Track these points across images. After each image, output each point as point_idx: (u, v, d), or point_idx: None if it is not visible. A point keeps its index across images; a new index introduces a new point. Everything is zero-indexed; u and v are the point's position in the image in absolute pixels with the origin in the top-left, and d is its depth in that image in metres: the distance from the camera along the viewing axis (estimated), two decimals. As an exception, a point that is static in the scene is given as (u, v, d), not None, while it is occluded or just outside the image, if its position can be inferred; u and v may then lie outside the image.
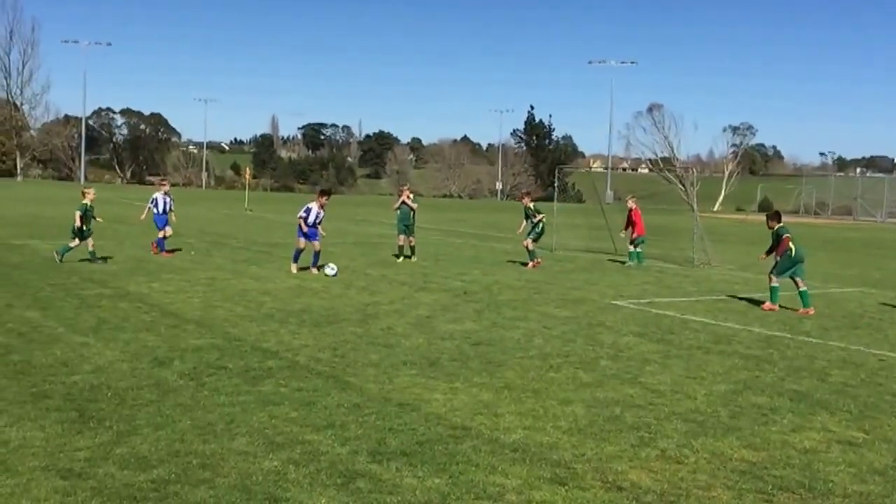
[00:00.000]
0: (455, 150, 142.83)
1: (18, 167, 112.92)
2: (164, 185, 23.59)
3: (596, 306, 15.20)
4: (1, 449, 6.52)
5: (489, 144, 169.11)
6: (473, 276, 19.28)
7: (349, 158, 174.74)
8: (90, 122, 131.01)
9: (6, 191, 66.53)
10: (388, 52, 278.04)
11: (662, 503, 5.97)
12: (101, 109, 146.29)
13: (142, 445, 6.69)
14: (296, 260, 18.76)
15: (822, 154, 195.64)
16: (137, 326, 11.65)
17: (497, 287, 17.32)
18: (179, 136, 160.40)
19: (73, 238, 19.19)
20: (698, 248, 24.52)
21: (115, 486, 5.85)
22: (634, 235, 23.43)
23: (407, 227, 22.24)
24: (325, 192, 19.90)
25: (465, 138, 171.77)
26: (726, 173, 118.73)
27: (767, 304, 15.61)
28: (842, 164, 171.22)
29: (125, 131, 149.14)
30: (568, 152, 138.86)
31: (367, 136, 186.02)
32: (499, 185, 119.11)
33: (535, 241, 21.81)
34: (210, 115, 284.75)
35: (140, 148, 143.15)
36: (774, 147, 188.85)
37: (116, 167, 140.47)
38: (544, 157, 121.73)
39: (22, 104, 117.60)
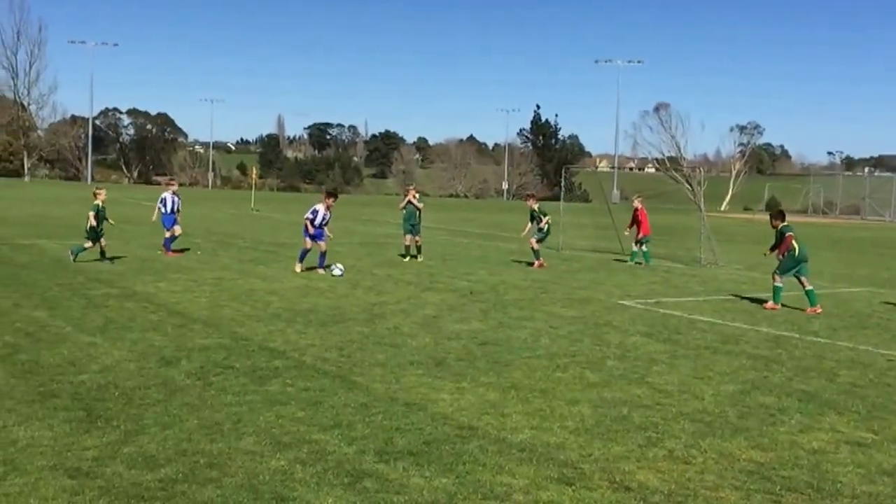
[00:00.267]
0: (461, 149, 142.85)
1: (26, 167, 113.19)
2: (173, 184, 23.62)
3: (603, 306, 15.18)
4: (9, 448, 6.53)
5: (495, 144, 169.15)
6: (480, 275, 19.27)
7: (355, 158, 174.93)
8: (97, 122, 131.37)
9: (14, 191, 66.75)
10: (393, 52, 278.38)
11: (670, 503, 5.96)
12: (107, 110, 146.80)
13: (149, 445, 6.69)
14: (301, 260, 18.76)
15: (829, 153, 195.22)
16: (144, 326, 11.67)
17: (503, 287, 17.31)
18: (186, 136, 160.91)
19: (88, 239, 19.26)
20: (705, 248, 24.48)
21: (122, 485, 5.86)
22: (640, 235, 23.40)
23: (413, 227, 22.24)
24: (332, 194, 19.85)
25: (471, 138, 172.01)
26: (733, 173, 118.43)
27: (770, 304, 15.57)
28: (850, 163, 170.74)
29: (132, 131, 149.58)
30: (574, 152, 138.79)
31: (373, 136, 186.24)
32: (505, 185, 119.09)
33: (539, 241, 21.79)
34: (216, 116, 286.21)
35: (146, 148, 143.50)
36: (782, 146, 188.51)
37: (123, 167, 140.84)
38: (550, 156, 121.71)
39: (29, 104, 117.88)
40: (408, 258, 22.12)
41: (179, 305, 13.53)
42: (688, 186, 26.45)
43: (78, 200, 50.37)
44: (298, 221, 20.68)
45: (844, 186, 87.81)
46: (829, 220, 69.85)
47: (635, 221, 23.61)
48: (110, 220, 19.73)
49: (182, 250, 21.95)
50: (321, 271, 18.54)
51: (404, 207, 22.43)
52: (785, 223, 15.85)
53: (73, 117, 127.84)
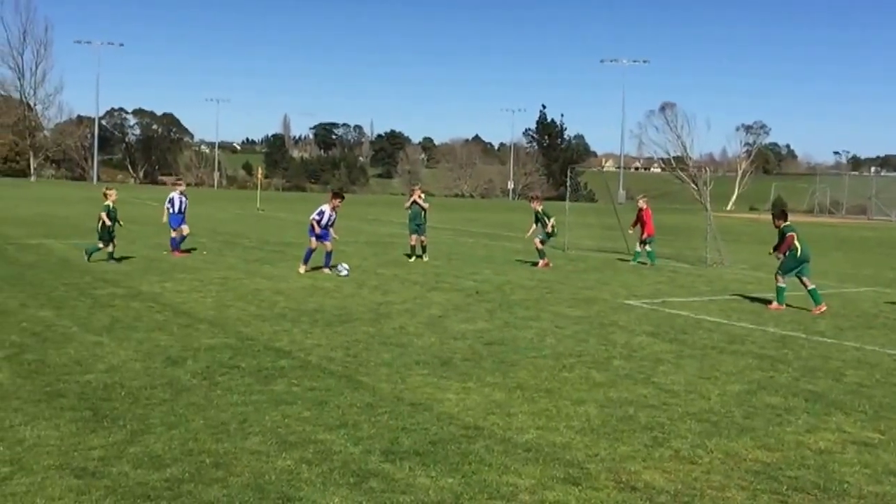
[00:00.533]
0: (467, 149, 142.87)
1: (32, 167, 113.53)
2: (180, 184, 23.67)
3: (608, 306, 15.16)
4: (16, 448, 6.54)
5: (501, 144, 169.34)
6: (485, 275, 19.26)
7: (361, 158, 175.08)
8: (103, 122, 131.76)
9: (20, 191, 66.94)
10: (399, 52, 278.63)
11: (676, 503, 5.95)
12: (113, 109, 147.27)
13: (155, 444, 6.70)
14: (306, 261, 18.73)
15: (836, 153, 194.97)
16: (150, 326, 11.69)
17: (509, 287, 17.30)
18: (191, 136, 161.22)
19: (100, 240, 19.32)
20: (711, 248, 24.43)
21: (128, 484, 5.87)
22: (644, 236, 23.36)
23: (418, 227, 22.24)
24: (338, 195, 19.82)
25: (476, 138, 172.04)
26: (739, 172, 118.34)
27: (774, 305, 15.54)
28: (856, 162, 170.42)
29: (138, 131, 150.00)
30: (580, 151, 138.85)
31: (379, 136, 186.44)
32: (510, 185, 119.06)
33: (543, 241, 21.77)
34: (222, 116, 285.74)
35: (152, 148, 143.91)
36: (788, 146, 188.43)
37: (129, 167, 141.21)
38: (556, 156, 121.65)
39: (35, 104, 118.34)
40: (413, 258, 22.12)
41: (185, 305, 13.55)
42: (694, 186, 26.51)
43: (84, 200, 50.50)
44: (304, 221, 20.70)
45: (851, 186, 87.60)
46: (835, 220, 69.70)
47: (639, 221, 23.58)
48: (120, 222, 19.75)
49: (188, 250, 21.99)
50: (327, 271, 18.55)
51: (410, 207, 22.44)
52: (787, 223, 15.81)
53: (79, 117, 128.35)
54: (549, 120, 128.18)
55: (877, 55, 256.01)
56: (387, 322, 12.60)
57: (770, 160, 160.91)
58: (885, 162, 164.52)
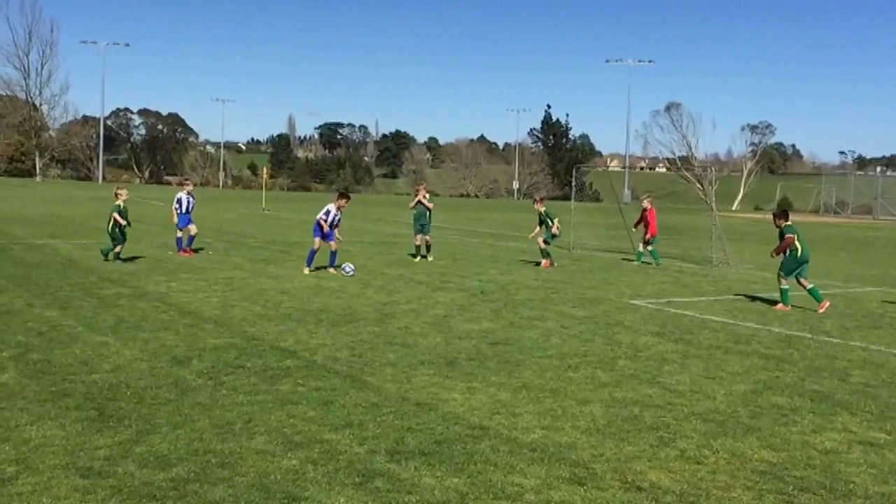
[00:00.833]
0: (472, 149, 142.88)
1: (37, 167, 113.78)
2: (188, 184, 23.74)
3: (614, 306, 15.14)
4: (22, 447, 6.56)
5: (506, 144, 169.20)
6: (490, 275, 19.26)
7: (366, 158, 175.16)
8: (108, 122, 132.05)
9: (26, 191, 67.10)
10: (404, 52, 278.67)
11: (682, 503, 5.94)
12: (119, 110, 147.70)
13: (161, 444, 6.71)
14: (309, 263, 18.70)
15: (841, 153, 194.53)
16: (156, 326, 11.70)
17: (514, 286, 17.29)
18: (197, 136, 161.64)
19: (113, 240, 19.39)
20: (716, 248, 24.40)
21: (134, 484, 5.88)
22: (648, 236, 23.32)
23: (423, 227, 22.24)
24: (345, 196, 19.83)
25: (481, 138, 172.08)
26: (745, 172, 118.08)
27: (779, 306, 15.50)
28: (861, 162, 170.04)
29: (143, 131, 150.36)
30: (585, 151, 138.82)
31: (384, 136, 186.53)
32: (515, 185, 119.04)
33: (547, 242, 21.76)
34: (227, 116, 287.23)
35: (158, 148, 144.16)
36: (793, 146, 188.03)
37: (134, 167, 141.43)
38: (561, 156, 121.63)
39: (41, 104, 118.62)
40: (418, 258, 22.13)
41: (191, 305, 13.56)
42: (699, 186, 26.49)
43: (89, 200, 50.60)
44: (309, 221, 20.73)
45: (856, 186, 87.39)
46: (840, 220, 69.54)
47: (643, 221, 23.55)
48: (129, 222, 19.77)
49: (194, 250, 22.01)
50: (332, 270, 18.56)
51: (415, 207, 22.44)
52: (788, 223, 15.77)
53: (85, 117, 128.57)
54: (554, 120, 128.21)
55: (882, 55, 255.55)
56: (392, 322, 12.61)
57: (775, 160, 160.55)
58: (891, 162, 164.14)
